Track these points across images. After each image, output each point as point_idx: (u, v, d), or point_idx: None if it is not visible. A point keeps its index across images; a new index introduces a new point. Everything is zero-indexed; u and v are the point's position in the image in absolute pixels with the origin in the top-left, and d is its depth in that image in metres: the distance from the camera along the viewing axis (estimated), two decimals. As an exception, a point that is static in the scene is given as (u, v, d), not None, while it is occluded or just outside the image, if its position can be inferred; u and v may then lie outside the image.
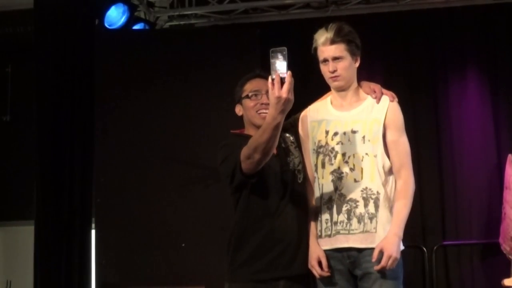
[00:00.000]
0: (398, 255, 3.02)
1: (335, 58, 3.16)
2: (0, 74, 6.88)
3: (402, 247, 3.11)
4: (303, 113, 3.37)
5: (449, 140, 6.25)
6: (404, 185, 3.11)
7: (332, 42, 3.15)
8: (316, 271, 3.15)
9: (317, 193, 3.21)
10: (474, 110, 6.28)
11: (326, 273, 3.14)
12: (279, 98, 2.87)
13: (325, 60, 3.19)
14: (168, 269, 5.52)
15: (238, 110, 3.38)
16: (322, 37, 3.17)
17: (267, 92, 3.16)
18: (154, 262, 5.53)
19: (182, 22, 6.77)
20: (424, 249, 6.06)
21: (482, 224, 6.08)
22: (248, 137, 3.20)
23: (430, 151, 6.20)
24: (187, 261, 5.50)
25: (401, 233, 3.05)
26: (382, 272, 3.04)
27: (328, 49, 3.16)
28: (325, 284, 3.15)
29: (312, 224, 3.23)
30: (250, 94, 3.30)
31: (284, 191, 3.20)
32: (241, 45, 5.90)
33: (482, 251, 6.08)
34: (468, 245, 6.11)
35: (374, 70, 5.90)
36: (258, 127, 3.19)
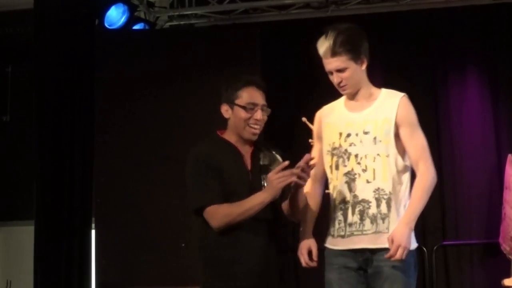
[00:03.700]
0: (409, 245, 2.99)
1: (338, 70, 3.15)
2: (0, 74, 6.88)
3: (415, 244, 3.11)
4: (318, 114, 3.37)
5: (449, 140, 6.25)
6: (421, 178, 3.09)
7: (333, 54, 3.11)
8: (304, 259, 3.17)
9: (332, 195, 3.21)
10: (474, 110, 6.28)
11: (313, 263, 3.16)
12: (278, 192, 2.98)
13: (330, 72, 3.18)
14: (168, 269, 5.52)
15: (225, 110, 3.26)
16: (322, 46, 3.14)
17: (262, 106, 3.18)
18: (154, 262, 5.53)
19: (182, 22, 6.77)
20: (424, 249, 6.06)
21: (482, 224, 6.08)
22: (225, 143, 3.20)
23: (430, 151, 6.20)
24: (187, 261, 5.49)
25: (412, 224, 3.02)
26: (393, 271, 3.04)
27: (330, 61, 3.14)
28: (336, 280, 3.14)
29: (310, 217, 3.24)
30: (246, 106, 3.19)
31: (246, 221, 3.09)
32: (241, 45, 5.89)
33: (482, 251, 6.08)
34: (468, 245, 6.11)
35: (373, 70, 5.84)
36: (242, 138, 3.19)
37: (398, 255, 2.96)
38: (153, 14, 6.63)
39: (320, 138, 3.30)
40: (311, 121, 5.37)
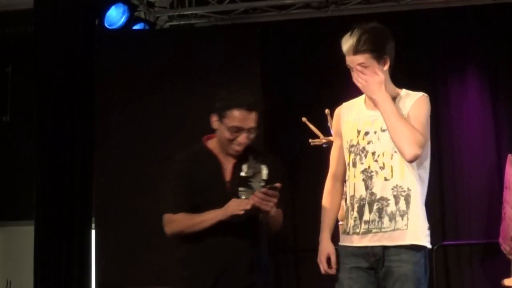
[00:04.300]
0: (368, 84, 3.04)
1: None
2: (0, 74, 6.88)
3: (429, 246, 3.11)
4: (337, 111, 3.34)
5: (449, 140, 6.25)
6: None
7: (356, 52, 3.10)
8: (323, 267, 3.16)
9: (349, 192, 3.19)
10: (474, 110, 6.28)
11: (332, 270, 3.15)
12: (238, 215, 3.04)
13: (351, 69, 3.15)
14: (168, 269, 5.51)
15: (214, 121, 3.25)
16: (346, 43, 3.12)
17: (249, 129, 3.16)
18: (154, 262, 5.53)
19: (182, 22, 6.77)
20: (424, 249, 6.05)
21: (482, 224, 6.08)
22: (207, 152, 3.26)
23: (430, 151, 6.20)
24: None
25: (382, 100, 3.05)
26: (404, 272, 3.03)
27: (352, 59, 3.12)
28: (346, 280, 3.13)
29: (328, 219, 3.24)
30: (230, 129, 3.17)
31: (222, 224, 3.13)
32: (241, 45, 5.89)
33: (482, 251, 6.09)
34: (468, 245, 6.11)
35: (374, 70, 5.90)
36: (226, 152, 3.22)
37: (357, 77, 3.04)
38: (153, 14, 6.63)
39: (339, 135, 3.28)
40: (311, 121, 5.40)
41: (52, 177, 5.69)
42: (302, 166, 6.34)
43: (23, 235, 6.53)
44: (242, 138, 3.17)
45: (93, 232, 5.86)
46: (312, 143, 5.37)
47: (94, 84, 5.87)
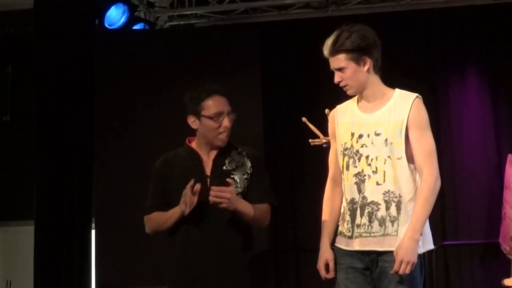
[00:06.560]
0: (414, 259, 2.96)
1: (338, 69, 3.13)
2: (0, 74, 6.88)
3: (431, 246, 3.12)
4: (331, 113, 3.33)
5: (449, 140, 6.26)
6: (424, 185, 3.04)
7: (332, 53, 3.12)
8: (322, 274, 3.18)
9: (344, 194, 3.19)
10: (474, 110, 6.28)
11: (330, 276, 3.16)
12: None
13: (332, 71, 3.16)
14: (167, 270, 5.51)
15: (192, 122, 3.32)
16: (326, 46, 3.14)
17: (228, 113, 3.25)
18: (154, 262, 5.52)
19: (182, 22, 6.78)
20: (424, 249, 6.05)
21: (482, 224, 6.09)
22: (187, 150, 3.34)
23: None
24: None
25: (416, 236, 2.98)
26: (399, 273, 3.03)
27: (331, 61, 3.14)
28: (343, 280, 3.14)
29: (328, 224, 3.23)
30: (213, 117, 3.25)
31: (201, 218, 3.20)
32: (241, 45, 5.89)
33: (482, 251, 6.09)
34: (468, 245, 6.12)
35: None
36: (212, 146, 3.28)
37: (401, 271, 2.95)
38: (153, 14, 6.64)
39: (335, 138, 3.27)
40: (311, 121, 5.40)
41: (52, 177, 5.69)
42: (302, 166, 6.34)
43: (23, 235, 6.54)
44: (226, 122, 3.26)
45: (93, 232, 5.86)
46: (312, 143, 5.37)
47: (94, 84, 5.87)
